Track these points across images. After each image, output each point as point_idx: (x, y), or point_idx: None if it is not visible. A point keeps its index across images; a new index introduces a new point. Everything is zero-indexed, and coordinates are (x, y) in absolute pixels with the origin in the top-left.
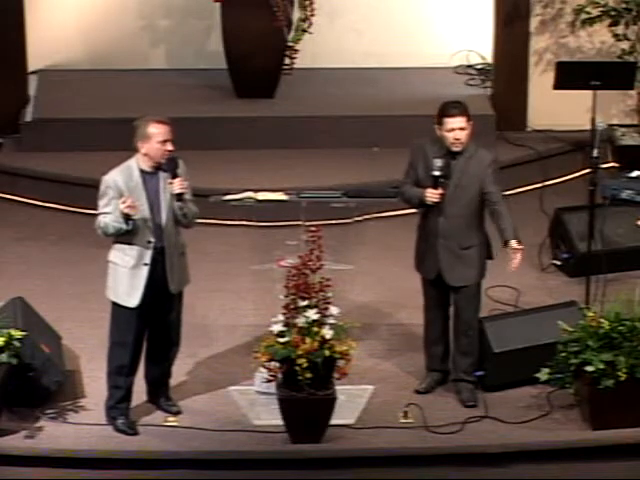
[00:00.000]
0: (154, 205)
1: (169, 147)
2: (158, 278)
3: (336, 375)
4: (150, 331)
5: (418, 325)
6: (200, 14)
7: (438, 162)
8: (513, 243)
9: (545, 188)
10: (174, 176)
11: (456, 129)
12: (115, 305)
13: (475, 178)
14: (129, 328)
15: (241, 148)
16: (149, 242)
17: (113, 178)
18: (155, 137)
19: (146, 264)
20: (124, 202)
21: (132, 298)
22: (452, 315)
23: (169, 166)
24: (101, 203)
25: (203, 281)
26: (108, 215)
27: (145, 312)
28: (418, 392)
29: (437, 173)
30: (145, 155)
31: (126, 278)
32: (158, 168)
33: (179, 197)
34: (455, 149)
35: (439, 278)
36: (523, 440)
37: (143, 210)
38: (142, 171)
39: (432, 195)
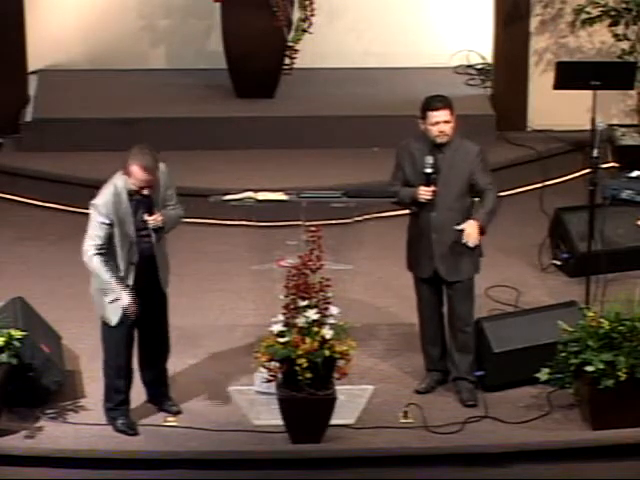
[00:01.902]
0: (140, 227)
1: (145, 192)
2: (150, 280)
3: (336, 375)
4: (142, 337)
5: (418, 325)
6: (200, 14)
7: (429, 159)
8: (471, 221)
9: (545, 188)
10: (150, 213)
11: (440, 122)
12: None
13: (463, 170)
14: (116, 339)
15: (241, 148)
16: (132, 264)
17: (105, 205)
18: (133, 179)
19: (128, 286)
20: (127, 307)
21: (114, 317)
22: (446, 314)
23: (143, 204)
24: (93, 227)
25: (203, 281)
26: (113, 277)
27: (129, 325)
28: (418, 392)
29: (429, 170)
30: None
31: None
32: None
33: (156, 230)
34: (440, 141)
35: (434, 276)
36: (523, 440)
37: (131, 235)
38: (130, 193)
39: (425, 193)
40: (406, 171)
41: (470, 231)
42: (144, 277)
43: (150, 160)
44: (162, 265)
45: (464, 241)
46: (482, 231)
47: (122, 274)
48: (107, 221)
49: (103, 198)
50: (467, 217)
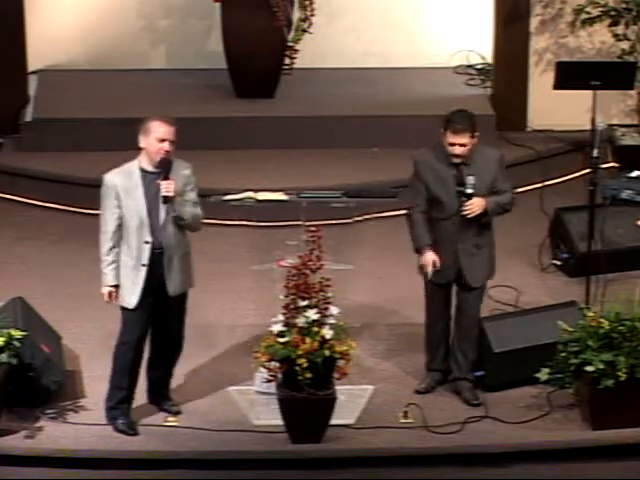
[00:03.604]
0: (152, 206)
1: (166, 147)
2: (156, 279)
3: (336, 375)
4: (153, 334)
5: (418, 325)
6: (200, 14)
7: (471, 180)
8: (480, 198)
9: (545, 188)
10: (165, 178)
11: (456, 144)
12: (122, 307)
13: (485, 177)
14: (132, 328)
15: (241, 148)
16: (146, 242)
17: (111, 179)
18: (154, 133)
19: (144, 265)
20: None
21: (131, 298)
22: (454, 314)
23: (162, 167)
24: (102, 205)
25: (203, 281)
26: (109, 266)
27: (147, 313)
28: (418, 392)
29: (470, 191)
30: (143, 149)
31: (125, 279)
32: (156, 167)
33: (165, 199)
34: (453, 160)
35: (454, 279)
36: (523, 440)
37: (141, 210)
38: (143, 171)
39: (429, 269)
40: (431, 188)
41: (475, 202)
42: (158, 265)
43: (168, 118)
44: (172, 261)
45: (464, 209)
46: (485, 212)
47: (134, 252)
48: (112, 192)
49: (113, 170)
50: (488, 223)
